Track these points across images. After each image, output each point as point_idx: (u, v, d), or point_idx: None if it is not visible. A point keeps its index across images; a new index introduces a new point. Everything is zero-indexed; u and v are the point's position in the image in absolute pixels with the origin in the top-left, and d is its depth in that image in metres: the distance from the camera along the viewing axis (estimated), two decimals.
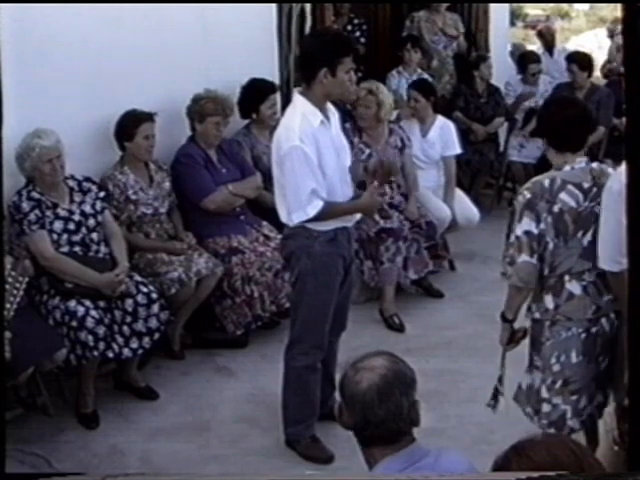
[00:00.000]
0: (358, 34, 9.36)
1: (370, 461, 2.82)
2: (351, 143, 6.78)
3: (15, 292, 3.44)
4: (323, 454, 4.92)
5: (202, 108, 6.20)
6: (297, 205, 4.63)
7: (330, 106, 4.80)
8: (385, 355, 2.95)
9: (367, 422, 2.79)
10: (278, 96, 6.84)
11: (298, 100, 4.70)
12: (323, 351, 4.95)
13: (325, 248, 4.73)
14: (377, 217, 6.77)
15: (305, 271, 4.80)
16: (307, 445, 5.00)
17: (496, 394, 4.48)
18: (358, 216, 5.03)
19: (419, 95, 7.64)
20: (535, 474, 2.15)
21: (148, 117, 5.81)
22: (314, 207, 4.59)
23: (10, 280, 3.43)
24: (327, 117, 4.72)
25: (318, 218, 4.64)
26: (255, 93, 6.67)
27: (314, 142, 4.57)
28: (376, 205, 5.04)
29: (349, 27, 9.35)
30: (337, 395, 2.95)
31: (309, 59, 4.66)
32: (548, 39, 10.74)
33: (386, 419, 2.81)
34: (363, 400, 2.79)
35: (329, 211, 4.66)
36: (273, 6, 7.14)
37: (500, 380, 4.45)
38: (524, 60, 9.53)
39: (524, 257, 4.04)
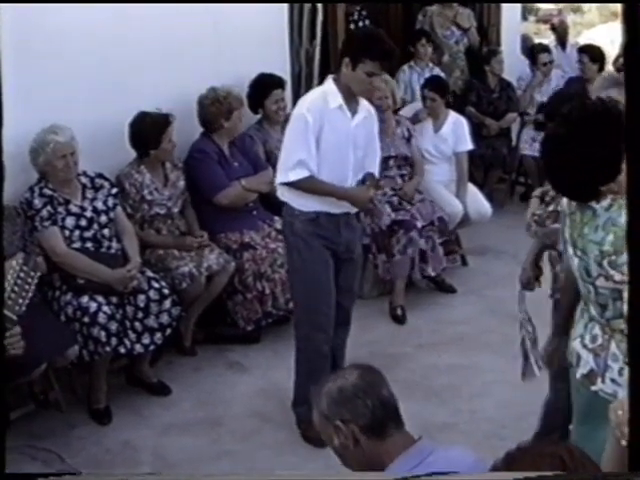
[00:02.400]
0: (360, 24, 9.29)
1: (385, 461, 2.79)
2: None
3: (27, 287, 3.43)
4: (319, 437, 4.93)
5: (230, 105, 6.18)
6: (283, 167, 4.85)
7: (365, 103, 4.96)
8: None
9: (383, 403, 2.80)
10: (288, 90, 6.83)
11: (327, 81, 4.89)
12: (326, 334, 5.00)
13: (305, 226, 4.88)
14: (389, 210, 6.81)
15: (290, 247, 5.04)
16: (307, 427, 5.02)
17: (526, 357, 4.38)
18: (348, 206, 5.01)
19: (436, 95, 7.64)
20: (533, 474, 2.14)
21: (169, 120, 5.82)
22: (296, 174, 4.77)
23: (22, 275, 3.41)
24: (353, 109, 4.84)
25: (300, 188, 4.81)
26: (260, 88, 6.67)
27: (319, 117, 4.73)
28: (365, 199, 5.02)
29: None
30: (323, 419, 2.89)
31: (342, 45, 4.93)
32: (561, 33, 10.71)
33: (390, 397, 2.86)
34: (367, 385, 2.83)
35: (313, 185, 4.81)
36: None
37: (526, 341, 4.35)
38: (534, 52, 9.51)
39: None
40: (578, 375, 3.43)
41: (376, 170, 5.15)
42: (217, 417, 5.37)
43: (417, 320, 6.61)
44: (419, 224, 6.79)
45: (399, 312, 6.66)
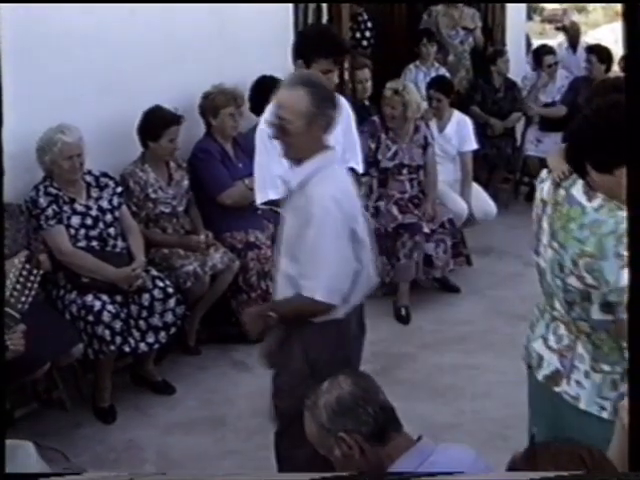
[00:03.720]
0: (366, 33, 9.31)
1: (386, 464, 2.78)
2: (378, 138, 6.81)
3: (30, 285, 3.44)
4: None
5: (214, 102, 6.23)
6: (260, 186, 4.78)
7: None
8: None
9: (382, 408, 2.80)
10: None
11: None
12: None
13: None
14: (396, 212, 6.80)
15: None
16: None
17: None
18: None
19: (441, 95, 7.65)
20: (551, 474, 2.13)
21: (177, 120, 5.82)
22: (277, 192, 4.64)
23: (25, 274, 3.42)
24: None
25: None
26: (262, 91, 6.65)
27: None
28: None
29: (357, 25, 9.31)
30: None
31: (292, 47, 4.84)
32: (573, 35, 10.67)
33: (387, 400, 2.85)
34: (364, 392, 2.82)
35: None
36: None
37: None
38: (539, 53, 9.49)
39: None
40: (540, 377, 3.36)
41: (359, 162, 5.13)
42: (221, 416, 5.37)
43: (421, 320, 6.62)
44: (425, 228, 6.79)
45: (403, 312, 6.67)
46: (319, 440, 2.87)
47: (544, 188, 3.32)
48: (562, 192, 3.18)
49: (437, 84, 7.87)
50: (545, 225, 3.25)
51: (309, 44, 4.75)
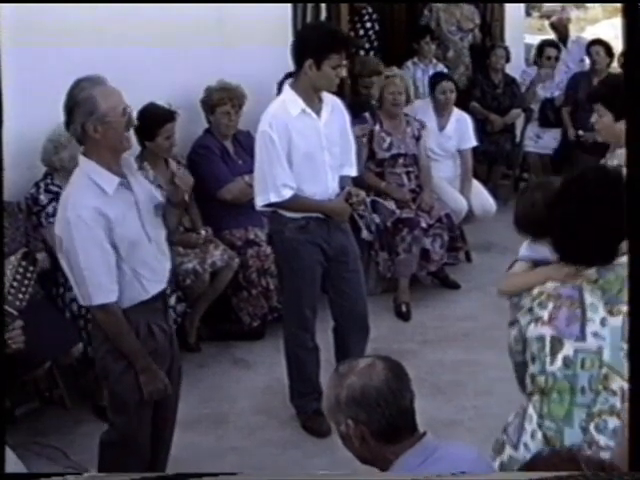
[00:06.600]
0: (369, 25, 9.29)
1: (390, 458, 2.76)
2: (371, 132, 6.80)
3: (26, 282, 3.42)
4: (320, 428, 4.97)
5: (211, 99, 6.27)
6: (262, 189, 4.81)
7: (328, 98, 4.88)
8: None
9: (401, 413, 2.75)
10: None
11: (285, 89, 4.85)
12: (308, 332, 5.10)
13: (294, 234, 4.86)
14: (394, 207, 6.80)
15: (278, 255, 5.10)
16: (308, 417, 5.16)
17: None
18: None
19: (454, 87, 7.64)
20: (549, 474, 2.12)
21: (171, 117, 5.80)
22: (278, 195, 4.74)
23: (21, 270, 3.41)
24: (316, 108, 4.80)
25: (283, 207, 4.81)
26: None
27: (285, 130, 4.69)
28: (344, 212, 5.01)
29: (364, 17, 9.29)
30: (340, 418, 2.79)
31: (297, 49, 4.77)
32: (561, 30, 10.68)
33: (411, 404, 2.79)
34: (391, 394, 2.74)
35: (295, 203, 4.79)
36: None
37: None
38: (541, 47, 9.46)
39: None
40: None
41: (353, 164, 5.13)
42: (222, 413, 5.38)
43: (421, 316, 6.62)
44: (423, 222, 6.79)
45: (404, 309, 6.67)
46: (330, 409, 2.83)
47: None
48: (591, 271, 3.10)
49: (447, 78, 7.86)
50: (596, 307, 3.10)
51: (319, 43, 4.68)
